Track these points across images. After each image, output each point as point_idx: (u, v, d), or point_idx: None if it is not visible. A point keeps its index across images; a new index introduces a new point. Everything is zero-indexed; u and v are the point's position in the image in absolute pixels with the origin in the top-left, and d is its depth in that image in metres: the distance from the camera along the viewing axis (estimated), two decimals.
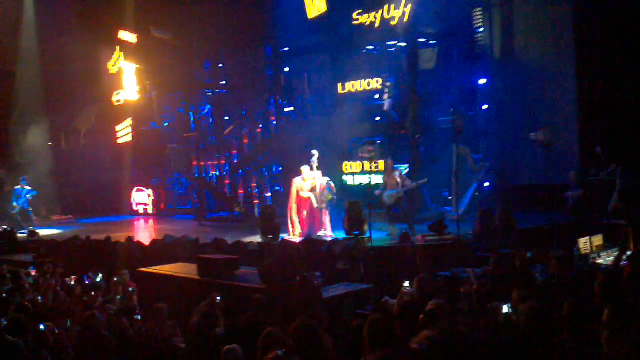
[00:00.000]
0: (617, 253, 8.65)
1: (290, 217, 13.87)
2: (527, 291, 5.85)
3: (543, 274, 7.91)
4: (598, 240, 9.56)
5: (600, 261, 9.03)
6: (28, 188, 19.11)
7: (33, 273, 11.23)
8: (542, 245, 9.99)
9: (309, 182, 13.66)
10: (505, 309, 5.83)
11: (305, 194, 13.66)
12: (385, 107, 16.33)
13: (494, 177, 15.83)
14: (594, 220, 12.12)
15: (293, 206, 13.86)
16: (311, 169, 13.73)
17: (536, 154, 15.10)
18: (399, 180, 13.48)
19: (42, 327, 6.84)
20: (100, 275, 10.72)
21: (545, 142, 12.38)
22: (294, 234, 13.73)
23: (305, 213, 13.77)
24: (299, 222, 13.79)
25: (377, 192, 13.45)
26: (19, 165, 21.28)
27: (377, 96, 16.54)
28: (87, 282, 10.36)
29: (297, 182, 13.80)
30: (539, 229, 12.54)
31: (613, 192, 13.02)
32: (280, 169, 18.76)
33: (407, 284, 7.66)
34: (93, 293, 9.54)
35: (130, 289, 10.03)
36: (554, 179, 14.34)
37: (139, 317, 7.72)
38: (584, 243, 9.31)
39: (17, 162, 21.64)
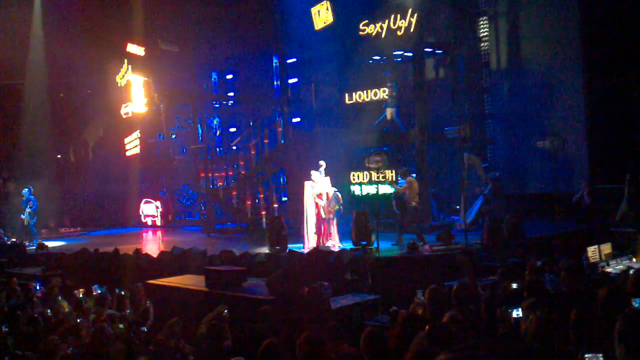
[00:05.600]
0: (625, 262, 8.60)
1: (307, 227, 13.69)
2: (537, 301, 5.80)
3: (552, 283, 7.86)
4: (607, 248, 9.50)
5: (609, 270, 8.96)
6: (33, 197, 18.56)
7: (38, 287, 11.22)
8: (551, 254, 9.94)
9: (319, 186, 13.61)
10: (514, 314, 5.77)
11: (316, 199, 13.61)
12: (389, 117, 16.34)
13: (494, 185, 15.66)
14: (603, 228, 12.07)
15: (311, 215, 13.67)
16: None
17: (544, 162, 15.09)
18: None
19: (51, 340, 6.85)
20: (105, 287, 10.71)
21: (552, 150, 12.35)
22: (309, 244, 13.61)
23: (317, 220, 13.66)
24: (316, 230, 13.60)
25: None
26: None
27: (384, 105, 16.57)
28: (94, 294, 10.35)
29: (308, 186, 13.66)
30: (547, 237, 12.48)
31: (621, 200, 13.00)
32: (288, 180, 18.79)
33: (420, 294, 7.54)
34: (100, 306, 9.52)
35: (148, 302, 9.95)
36: (562, 188, 14.30)
37: (145, 329, 7.70)
38: (592, 251, 9.26)
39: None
